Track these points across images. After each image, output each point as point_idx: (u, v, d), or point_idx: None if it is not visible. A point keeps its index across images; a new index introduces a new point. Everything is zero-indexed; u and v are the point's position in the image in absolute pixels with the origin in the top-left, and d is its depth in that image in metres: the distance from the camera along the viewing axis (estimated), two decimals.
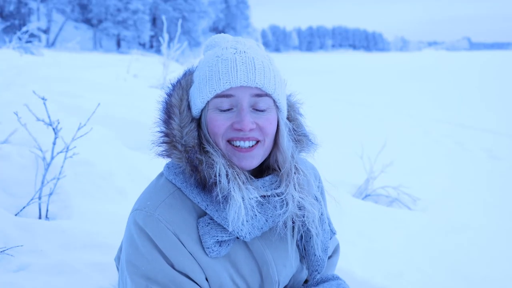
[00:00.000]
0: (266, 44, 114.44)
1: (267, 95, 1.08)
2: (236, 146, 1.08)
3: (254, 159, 1.09)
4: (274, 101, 1.10)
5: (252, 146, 1.08)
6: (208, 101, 1.08)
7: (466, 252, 3.03)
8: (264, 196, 1.09)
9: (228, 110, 1.07)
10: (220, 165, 1.04)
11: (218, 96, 1.06)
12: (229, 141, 1.08)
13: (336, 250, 1.47)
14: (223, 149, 1.08)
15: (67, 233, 2.22)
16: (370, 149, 4.97)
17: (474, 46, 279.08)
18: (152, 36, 46.23)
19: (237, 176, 1.05)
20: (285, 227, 1.13)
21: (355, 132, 8.14)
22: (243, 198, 1.04)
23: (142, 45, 46.23)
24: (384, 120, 10.14)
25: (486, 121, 10.23)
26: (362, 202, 3.91)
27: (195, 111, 1.11)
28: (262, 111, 1.08)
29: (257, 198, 1.06)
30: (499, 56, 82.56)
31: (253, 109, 1.08)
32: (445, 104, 13.31)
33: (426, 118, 10.61)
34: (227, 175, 1.04)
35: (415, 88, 18.63)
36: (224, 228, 1.06)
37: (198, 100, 1.09)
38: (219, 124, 1.06)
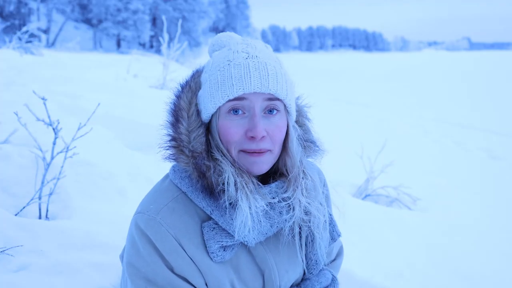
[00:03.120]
0: None
1: (279, 99, 1.07)
2: (248, 152, 1.06)
3: (265, 165, 1.08)
4: (285, 105, 1.09)
5: (264, 152, 1.07)
6: (219, 106, 1.06)
7: (466, 252, 3.03)
8: (270, 202, 1.09)
9: (240, 113, 1.05)
10: (229, 174, 1.03)
11: (230, 100, 1.04)
12: (241, 150, 1.07)
13: (340, 252, 1.46)
14: (235, 156, 1.07)
15: (67, 233, 2.22)
16: (370, 149, 4.97)
17: (474, 46, 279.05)
18: (152, 36, 46.19)
19: (245, 185, 1.04)
20: (292, 232, 1.12)
21: (355, 132, 8.14)
22: (250, 207, 1.03)
23: (142, 45, 46.20)
24: (384, 120, 10.14)
25: (485, 121, 10.24)
26: (362, 202, 3.91)
27: (205, 115, 1.09)
28: (273, 115, 1.07)
29: (263, 207, 1.05)
30: (499, 56, 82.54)
31: (264, 113, 1.06)
32: (445, 104, 13.32)
33: (426, 118, 10.61)
34: (235, 184, 1.03)
35: (415, 88, 18.63)
36: (229, 233, 1.06)
37: (209, 105, 1.06)
38: (232, 132, 1.05)
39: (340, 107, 12.10)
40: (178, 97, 1.12)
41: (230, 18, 61.01)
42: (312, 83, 19.30)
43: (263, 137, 1.04)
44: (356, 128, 8.77)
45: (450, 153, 7.22)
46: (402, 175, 4.84)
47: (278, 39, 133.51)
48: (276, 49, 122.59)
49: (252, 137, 1.04)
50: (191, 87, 1.13)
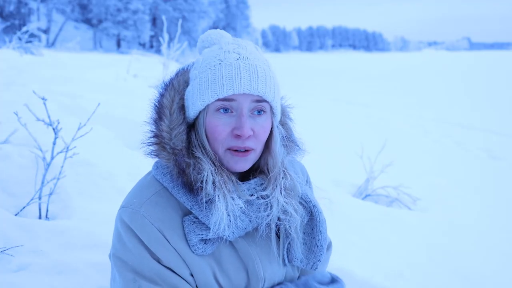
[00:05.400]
0: (266, 44, 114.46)
1: (266, 101, 1.10)
2: (233, 150, 1.10)
3: (247, 163, 1.12)
4: (271, 107, 1.13)
5: (248, 150, 1.11)
6: (208, 104, 1.09)
7: (466, 252, 3.03)
8: (248, 200, 1.12)
9: (229, 112, 1.09)
10: (208, 172, 1.06)
11: (219, 99, 1.07)
12: (228, 149, 1.10)
13: (328, 246, 1.47)
14: (221, 154, 1.10)
15: (67, 233, 2.22)
16: (370, 149, 4.96)
17: (474, 46, 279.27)
18: (152, 36, 46.25)
19: (223, 185, 1.07)
20: (269, 229, 1.15)
21: (355, 132, 8.13)
22: (226, 206, 1.06)
23: (142, 45, 46.26)
24: (384, 120, 10.13)
25: (485, 121, 10.24)
26: (362, 202, 3.91)
27: (193, 111, 1.12)
28: (259, 115, 1.11)
29: (240, 206, 1.08)
30: (499, 56, 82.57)
31: (251, 113, 1.10)
32: (445, 104, 13.32)
33: (426, 118, 10.61)
34: (213, 182, 1.06)
35: (415, 88, 18.64)
36: (209, 227, 1.08)
37: (197, 101, 1.10)
38: (219, 130, 1.08)
39: (340, 107, 12.10)
40: (162, 95, 1.16)
41: (230, 18, 61.04)
42: (312, 83, 19.30)
43: (249, 136, 1.08)
44: (356, 128, 8.77)
45: (450, 153, 7.22)
46: (402, 175, 4.83)
47: (278, 39, 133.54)
48: (276, 49, 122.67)
49: (238, 135, 1.07)
50: (174, 86, 1.17)
